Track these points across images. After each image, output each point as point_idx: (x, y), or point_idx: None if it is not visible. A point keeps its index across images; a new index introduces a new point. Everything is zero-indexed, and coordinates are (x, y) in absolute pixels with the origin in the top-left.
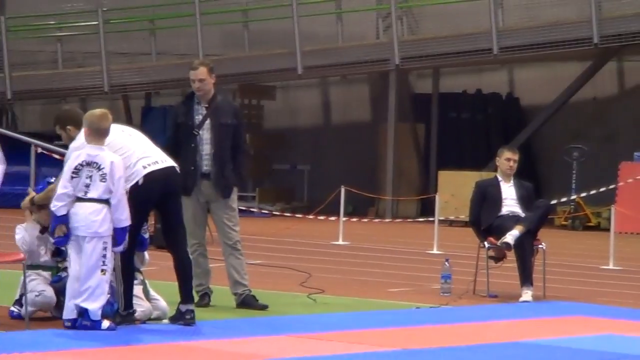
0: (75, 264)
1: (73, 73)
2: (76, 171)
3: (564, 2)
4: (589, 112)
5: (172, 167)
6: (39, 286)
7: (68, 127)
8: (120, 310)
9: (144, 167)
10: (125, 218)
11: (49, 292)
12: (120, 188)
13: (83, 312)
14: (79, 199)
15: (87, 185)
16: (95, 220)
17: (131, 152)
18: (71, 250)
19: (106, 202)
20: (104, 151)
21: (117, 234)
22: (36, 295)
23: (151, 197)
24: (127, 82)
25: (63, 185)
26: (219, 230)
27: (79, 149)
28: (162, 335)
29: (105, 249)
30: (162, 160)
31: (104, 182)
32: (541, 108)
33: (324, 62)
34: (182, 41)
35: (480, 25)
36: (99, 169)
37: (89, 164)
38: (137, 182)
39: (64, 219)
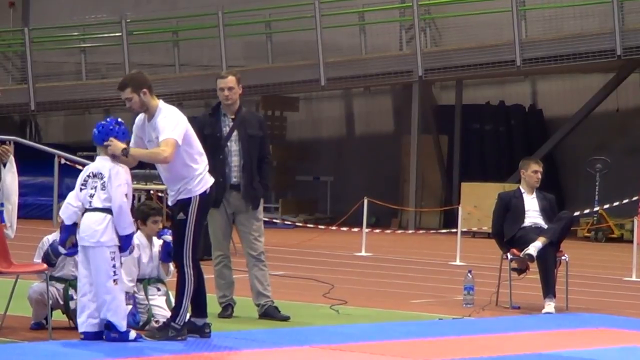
0: (82, 277)
1: (97, 84)
2: (84, 183)
3: (587, 14)
4: (612, 124)
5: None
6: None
7: (144, 89)
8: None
9: (210, 178)
10: (127, 225)
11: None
12: (119, 195)
13: (110, 325)
14: (85, 210)
15: (92, 196)
16: (97, 230)
17: (201, 157)
18: (80, 262)
19: (109, 211)
20: (108, 161)
21: (122, 241)
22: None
23: (208, 208)
24: None
25: (73, 197)
26: (244, 241)
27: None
28: (185, 346)
29: (113, 258)
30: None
31: (104, 190)
32: (564, 120)
33: (347, 74)
34: (206, 52)
35: (504, 37)
36: (101, 178)
37: (95, 175)
38: (205, 191)
39: (73, 230)
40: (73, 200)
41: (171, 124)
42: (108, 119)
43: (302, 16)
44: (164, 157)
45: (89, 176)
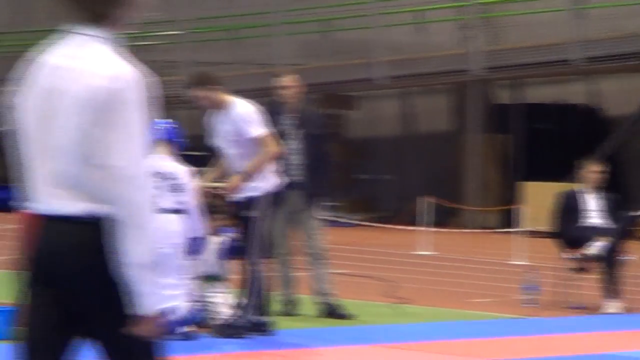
0: None
1: (154, 82)
2: None
3: None
4: None
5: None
6: None
7: (215, 86)
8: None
9: (277, 176)
10: (200, 227)
11: None
12: (191, 197)
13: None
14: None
15: (157, 196)
16: (172, 231)
17: None
18: None
19: (178, 212)
20: (169, 160)
21: (194, 243)
22: None
23: (274, 207)
24: None
25: None
26: (305, 239)
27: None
28: (246, 344)
29: (180, 258)
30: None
31: (175, 192)
32: (625, 118)
33: (404, 72)
34: (263, 51)
35: (563, 36)
36: (168, 178)
37: (157, 174)
38: (273, 189)
39: None
40: None
41: (256, 119)
42: (161, 121)
43: (359, 14)
44: (274, 152)
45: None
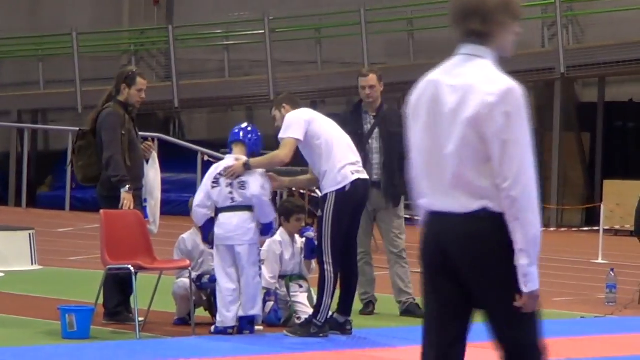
0: (226, 275)
1: (239, 81)
2: (216, 181)
3: None
4: None
5: (368, 180)
6: None
7: (284, 105)
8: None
9: (352, 173)
10: (270, 212)
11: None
12: (257, 188)
13: (252, 320)
14: (229, 208)
15: (231, 193)
16: (249, 228)
17: (337, 152)
18: (222, 261)
19: (251, 209)
20: (240, 160)
21: (265, 228)
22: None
23: (351, 205)
24: (293, 90)
25: (203, 198)
26: (386, 238)
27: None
28: (327, 343)
29: (258, 254)
30: (363, 169)
31: (243, 190)
32: None
33: None
34: (347, 50)
35: None
36: (236, 177)
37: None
38: (344, 187)
39: (212, 225)
40: (203, 201)
41: (290, 124)
42: (240, 125)
43: (443, 13)
44: (280, 158)
45: (220, 174)
